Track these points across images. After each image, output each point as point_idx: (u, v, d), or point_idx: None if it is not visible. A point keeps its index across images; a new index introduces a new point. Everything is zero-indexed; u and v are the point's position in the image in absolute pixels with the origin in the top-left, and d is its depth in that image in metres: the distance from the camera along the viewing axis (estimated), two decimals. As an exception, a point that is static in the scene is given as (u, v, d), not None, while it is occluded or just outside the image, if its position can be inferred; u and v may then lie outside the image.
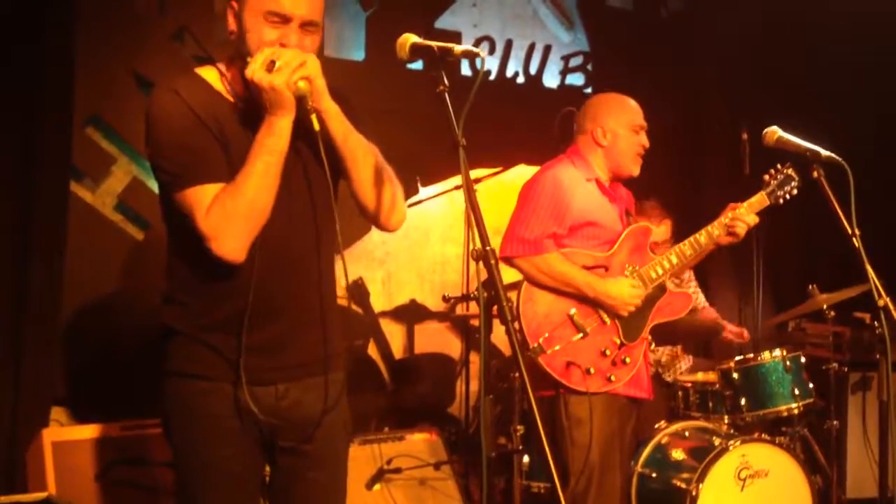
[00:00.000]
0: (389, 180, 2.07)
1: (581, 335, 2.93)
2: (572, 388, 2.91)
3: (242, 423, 1.97)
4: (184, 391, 1.99)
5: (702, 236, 3.10)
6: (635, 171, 3.14)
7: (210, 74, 2.02)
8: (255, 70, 1.85)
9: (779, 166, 3.22)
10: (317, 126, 1.88)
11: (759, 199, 3.19)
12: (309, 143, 1.96)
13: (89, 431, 3.23)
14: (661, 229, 4.07)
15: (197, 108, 1.93)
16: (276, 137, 1.88)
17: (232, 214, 1.86)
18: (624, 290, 2.96)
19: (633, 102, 3.17)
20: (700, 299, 4.36)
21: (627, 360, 2.99)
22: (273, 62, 1.85)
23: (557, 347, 2.88)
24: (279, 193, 1.93)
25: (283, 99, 1.86)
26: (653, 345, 3.51)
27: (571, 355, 2.90)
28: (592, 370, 2.92)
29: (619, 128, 3.09)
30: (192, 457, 2.00)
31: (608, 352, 2.96)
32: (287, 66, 1.85)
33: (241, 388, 1.93)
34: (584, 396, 2.89)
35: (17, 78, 3.46)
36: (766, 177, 3.22)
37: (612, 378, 2.96)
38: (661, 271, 3.06)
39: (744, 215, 3.11)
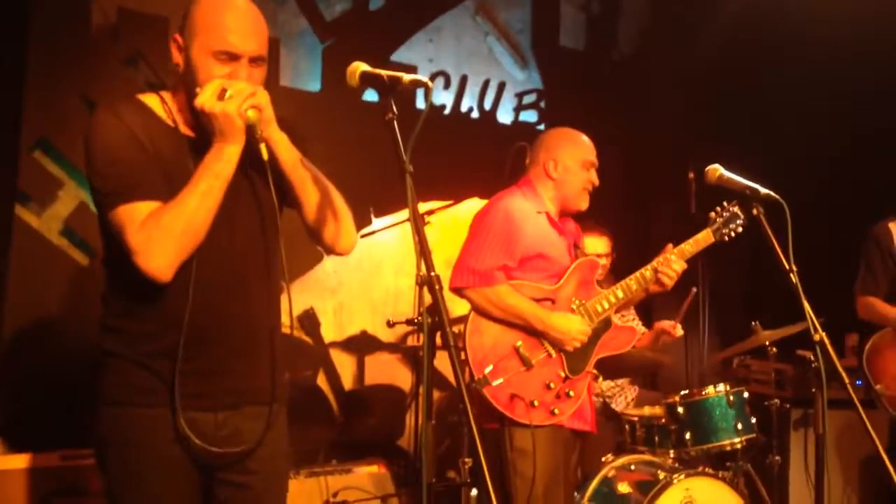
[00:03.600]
0: (339, 206, 2.09)
1: (526, 367, 2.94)
2: (516, 420, 2.90)
3: (179, 452, 1.94)
4: (120, 420, 1.95)
5: (647, 271, 3.16)
6: (583, 205, 3.19)
7: (152, 101, 2.02)
8: (206, 99, 1.87)
9: (725, 204, 3.27)
10: (265, 155, 1.90)
11: (705, 236, 3.24)
12: (256, 170, 1.97)
13: (24, 461, 3.12)
14: (602, 241, 4.21)
15: (137, 131, 1.93)
16: (223, 163, 1.89)
17: (166, 229, 1.85)
18: (572, 326, 2.99)
19: (586, 139, 3.22)
20: (640, 327, 4.42)
21: (571, 393, 3.00)
22: (224, 91, 1.88)
23: (502, 380, 2.88)
24: (223, 220, 1.93)
25: (233, 126, 1.87)
26: (600, 378, 3.54)
27: (516, 388, 2.91)
28: (536, 403, 2.92)
29: (571, 162, 3.15)
30: (127, 488, 1.95)
31: (552, 385, 2.98)
32: (238, 94, 1.88)
33: (178, 413, 1.90)
34: (527, 429, 2.89)
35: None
36: (712, 214, 3.27)
37: (556, 411, 2.97)
38: (606, 305, 3.10)
39: (671, 264, 3.12)
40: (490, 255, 2.98)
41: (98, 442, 2.00)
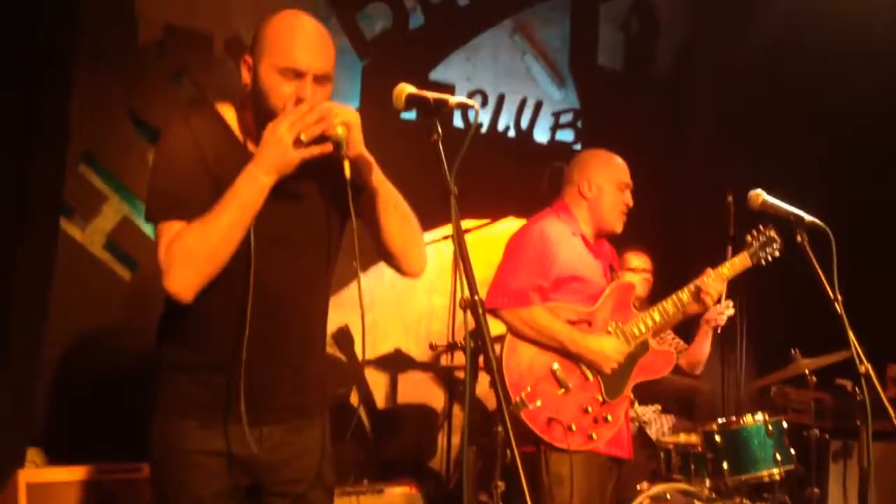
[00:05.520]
0: (416, 230, 2.13)
1: (563, 391, 2.92)
2: (553, 444, 2.88)
3: (229, 464, 1.96)
4: (173, 430, 1.98)
5: (683, 294, 3.14)
6: (618, 227, 3.18)
7: (229, 113, 2.05)
8: (283, 130, 1.86)
9: (761, 227, 3.26)
10: (348, 173, 1.89)
11: (742, 260, 3.23)
12: (328, 182, 1.98)
13: (66, 474, 3.14)
14: (643, 258, 4.28)
15: (204, 142, 1.96)
16: (254, 195, 1.88)
17: (191, 254, 1.87)
18: (606, 346, 2.97)
19: (620, 161, 3.22)
20: (681, 345, 4.35)
21: (609, 417, 2.97)
22: (299, 136, 1.86)
23: (539, 403, 2.86)
24: (285, 228, 1.95)
25: (287, 161, 1.87)
26: (635, 403, 3.50)
27: (553, 411, 2.89)
28: (574, 427, 2.90)
29: (605, 183, 3.14)
30: (176, 496, 1.96)
31: (590, 409, 2.95)
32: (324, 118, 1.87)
33: (231, 427, 1.93)
34: (564, 454, 2.86)
35: (13, 112, 3.47)
36: (749, 237, 3.26)
37: (594, 436, 2.94)
38: (643, 329, 3.07)
39: (710, 284, 3.12)
40: (525, 276, 2.98)
41: (150, 451, 2.01)
